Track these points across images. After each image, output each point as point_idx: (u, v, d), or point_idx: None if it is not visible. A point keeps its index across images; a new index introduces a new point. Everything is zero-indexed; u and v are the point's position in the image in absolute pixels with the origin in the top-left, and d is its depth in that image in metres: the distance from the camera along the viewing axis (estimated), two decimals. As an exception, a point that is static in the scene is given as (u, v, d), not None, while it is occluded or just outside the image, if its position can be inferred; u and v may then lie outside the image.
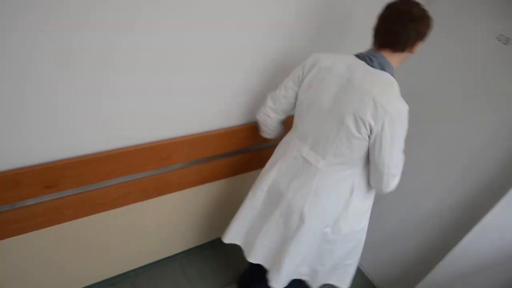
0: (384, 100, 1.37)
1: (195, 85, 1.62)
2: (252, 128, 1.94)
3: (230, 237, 1.90)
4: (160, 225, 2.12)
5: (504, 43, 1.84)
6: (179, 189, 1.97)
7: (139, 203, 1.86)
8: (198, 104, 1.69)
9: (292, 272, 1.79)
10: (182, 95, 1.61)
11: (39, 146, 1.38)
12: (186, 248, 2.49)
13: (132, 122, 1.54)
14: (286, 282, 1.80)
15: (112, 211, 1.78)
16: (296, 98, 1.62)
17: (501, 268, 1.89)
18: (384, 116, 1.37)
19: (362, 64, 1.45)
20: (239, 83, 1.76)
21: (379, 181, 1.53)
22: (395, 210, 2.53)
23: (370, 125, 1.39)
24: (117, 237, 1.98)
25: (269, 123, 1.77)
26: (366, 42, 1.56)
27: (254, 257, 1.85)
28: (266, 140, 1.98)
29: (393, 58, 1.47)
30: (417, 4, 1.41)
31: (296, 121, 1.65)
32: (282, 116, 1.73)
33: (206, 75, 1.61)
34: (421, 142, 2.25)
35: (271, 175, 1.72)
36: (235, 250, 2.65)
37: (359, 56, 1.49)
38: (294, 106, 1.65)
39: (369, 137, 1.43)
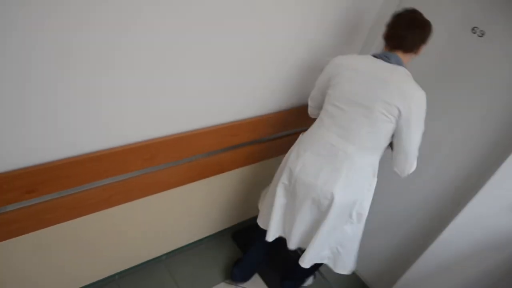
0: (409, 87, 1.62)
1: (189, 85, 1.63)
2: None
3: (272, 234, 2.07)
4: (144, 227, 2.11)
5: (479, 36, 1.88)
6: (165, 189, 1.96)
7: (124, 205, 1.84)
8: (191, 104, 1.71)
9: (318, 254, 2.01)
10: (177, 95, 1.63)
11: (16, 151, 1.35)
12: (171, 249, 2.48)
13: (115, 122, 1.53)
14: (312, 262, 2.03)
15: (95, 214, 1.76)
16: (324, 96, 1.83)
17: (480, 257, 1.93)
18: (410, 100, 1.60)
19: (381, 61, 1.69)
20: (227, 82, 1.77)
21: (403, 162, 1.75)
22: (378, 205, 2.56)
23: (398, 108, 1.61)
24: (102, 240, 1.96)
25: (316, 116, 1.95)
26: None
27: (293, 244, 2.06)
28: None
29: (404, 58, 1.72)
30: (420, 13, 1.70)
31: (322, 114, 1.83)
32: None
33: (204, 74, 1.64)
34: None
35: (297, 169, 1.85)
36: (221, 249, 2.67)
37: (376, 56, 1.72)
38: None
39: (396, 120, 1.64)
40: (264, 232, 2.12)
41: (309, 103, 2.01)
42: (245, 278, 2.51)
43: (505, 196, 1.77)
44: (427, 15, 1.72)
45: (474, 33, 1.89)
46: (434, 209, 2.26)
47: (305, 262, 2.00)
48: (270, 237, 2.07)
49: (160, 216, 2.14)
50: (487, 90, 1.91)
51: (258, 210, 2.25)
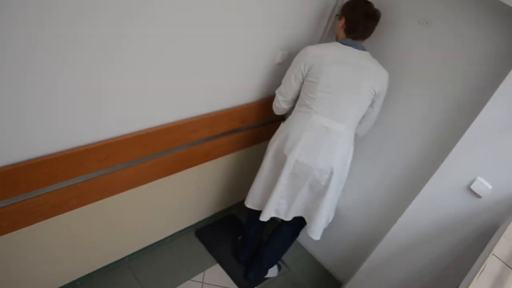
0: (380, 69, 1.97)
1: (144, 84, 1.59)
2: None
3: (267, 215, 2.20)
4: (103, 230, 2.07)
5: (424, 26, 1.95)
6: (122, 190, 1.92)
7: (79, 209, 1.80)
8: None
9: (323, 223, 2.21)
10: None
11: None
12: (134, 250, 2.44)
13: (69, 123, 1.49)
14: (321, 232, 2.22)
15: (51, 219, 1.72)
16: (301, 86, 2.03)
17: (438, 241, 2.00)
18: (383, 80, 1.97)
19: (351, 49, 1.95)
20: (182, 80, 1.75)
21: (367, 127, 2.18)
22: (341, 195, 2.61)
23: (376, 88, 1.95)
24: (61, 245, 1.91)
25: (282, 111, 2.21)
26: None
27: (290, 216, 2.24)
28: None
29: (363, 44, 2.01)
30: (372, 4, 1.95)
31: (307, 101, 1.99)
32: (291, 104, 2.15)
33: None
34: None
35: (296, 153, 2.00)
36: (185, 247, 2.65)
37: (344, 43, 1.97)
38: (298, 94, 2.07)
39: (373, 97, 1.98)
40: (255, 213, 2.33)
41: (280, 98, 2.13)
42: (249, 258, 2.67)
43: (459, 177, 1.84)
44: (376, 7, 1.80)
45: (420, 23, 1.97)
46: (392, 195, 2.33)
47: (316, 234, 2.20)
48: (265, 217, 2.20)
49: (119, 218, 2.10)
50: (433, 78, 1.99)
51: (220, 206, 2.26)
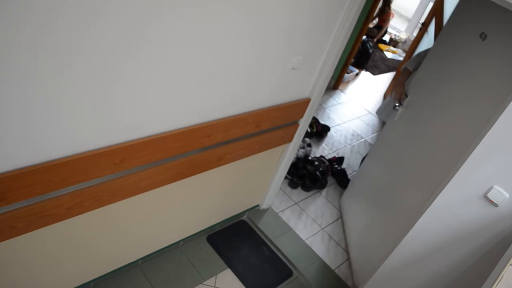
0: None
1: (159, 88, 1.61)
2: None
3: None
4: (117, 232, 2.08)
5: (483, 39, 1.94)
6: (137, 193, 1.93)
7: (93, 211, 1.81)
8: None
9: None
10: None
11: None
12: (146, 253, 2.45)
13: (85, 126, 1.50)
14: None
15: (65, 221, 1.73)
16: None
17: (453, 250, 1.98)
18: None
19: None
20: (197, 84, 1.75)
21: None
22: (354, 199, 2.60)
23: None
24: (75, 247, 1.93)
25: None
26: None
27: None
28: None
29: None
30: None
31: None
32: None
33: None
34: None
35: None
36: (198, 251, 2.66)
37: None
38: None
39: None
40: None
41: None
42: None
43: (475, 185, 1.82)
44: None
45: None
46: (407, 201, 2.31)
47: None
48: None
49: (132, 221, 2.11)
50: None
51: (232, 211, 2.25)
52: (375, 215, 2.62)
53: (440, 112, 2.19)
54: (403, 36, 7.21)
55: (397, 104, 2.62)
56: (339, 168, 3.73)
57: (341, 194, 3.47)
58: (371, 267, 2.50)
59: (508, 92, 1.71)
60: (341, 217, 3.21)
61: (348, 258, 2.92)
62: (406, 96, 2.59)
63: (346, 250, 2.97)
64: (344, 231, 3.08)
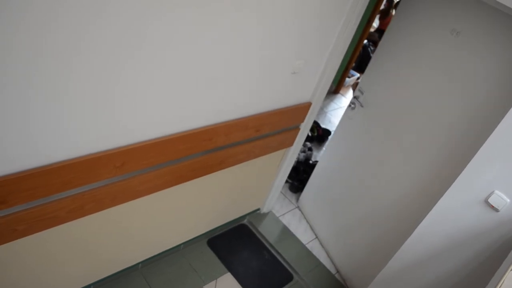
0: None
1: (160, 92, 1.61)
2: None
3: None
4: (118, 235, 2.08)
5: (455, 36, 1.95)
6: (138, 197, 1.93)
7: (93, 215, 1.81)
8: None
9: None
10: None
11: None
12: (147, 257, 2.45)
13: (84, 127, 1.51)
14: None
15: (65, 225, 1.73)
16: None
17: (453, 254, 1.97)
18: None
19: None
20: (199, 88, 1.76)
21: None
22: (355, 204, 2.60)
23: None
24: (75, 250, 1.93)
25: None
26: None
27: None
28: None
29: None
30: None
31: None
32: None
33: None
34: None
35: None
36: (198, 255, 2.65)
37: None
38: None
39: None
40: None
41: None
42: None
43: (476, 190, 1.82)
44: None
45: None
46: (408, 206, 2.31)
47: None
48: None
49: (133, 224, 2.11)
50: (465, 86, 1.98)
51: (233, 215, 2.25)
52: (370, 218, 2.61)
53: (403, 109, 2.20)
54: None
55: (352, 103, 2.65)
56: (340, 172, 3.73)
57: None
58: (372, 272, 2.50)
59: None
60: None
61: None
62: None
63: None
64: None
